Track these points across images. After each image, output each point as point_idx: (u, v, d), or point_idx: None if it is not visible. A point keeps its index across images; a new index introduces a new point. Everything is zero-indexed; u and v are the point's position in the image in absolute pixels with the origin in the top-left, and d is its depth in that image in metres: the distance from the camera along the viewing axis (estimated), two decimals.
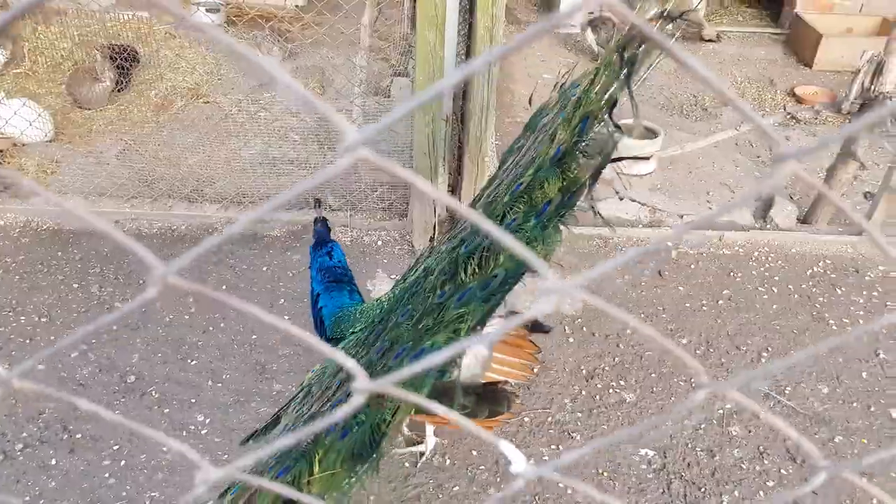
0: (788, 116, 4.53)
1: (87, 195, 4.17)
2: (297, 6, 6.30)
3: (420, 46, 3.47)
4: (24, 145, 4.55)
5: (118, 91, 5.10)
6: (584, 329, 3.72)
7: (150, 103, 5.06)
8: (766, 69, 6.16)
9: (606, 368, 3.52)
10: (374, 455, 1.74)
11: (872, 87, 3.77)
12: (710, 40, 6.34)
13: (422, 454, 2.98)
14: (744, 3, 7.18)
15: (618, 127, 1.82)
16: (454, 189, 4.07)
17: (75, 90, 5.00)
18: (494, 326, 2.47)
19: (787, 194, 4.71)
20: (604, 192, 4.52)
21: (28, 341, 3.40)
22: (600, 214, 1.86)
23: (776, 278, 4.10)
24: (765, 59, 6.33)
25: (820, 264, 4.22)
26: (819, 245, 4.32)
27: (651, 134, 4.66)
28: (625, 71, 1.71)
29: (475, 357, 2.31)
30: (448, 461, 3.00)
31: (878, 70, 3.73)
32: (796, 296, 4.00)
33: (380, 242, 4.16)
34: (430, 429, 2.98)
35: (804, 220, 4.50)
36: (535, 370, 3.17)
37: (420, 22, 3.42)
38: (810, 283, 4.08)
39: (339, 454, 1.74)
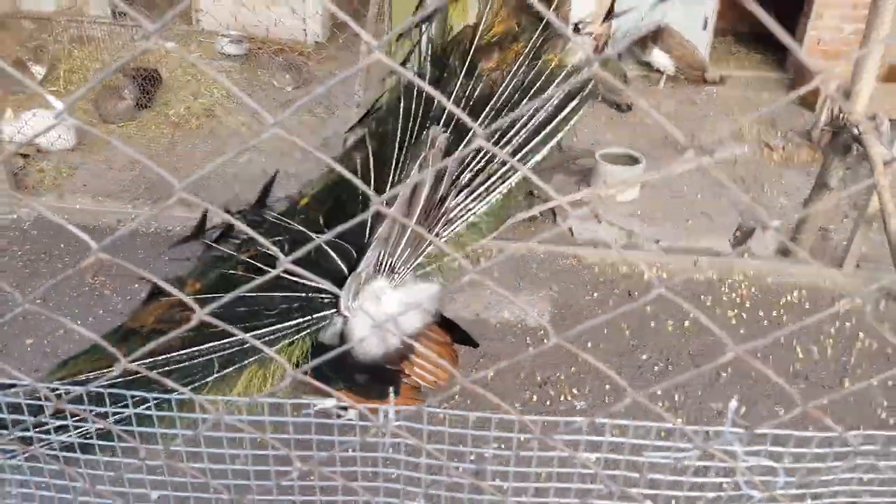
0: (764, 144, 4.61)
1: (95, 196, 4.52)
2: (316, 42, 6.71)
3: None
4: (47, 152, 4.95)
5: (140, 109, 5.49)
6: (545, 341, 3.80)
7: (168, 121, 5.44)
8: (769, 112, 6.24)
9: (562, 377, 3.59)
10: None
11: (841, 115, 3.84)
12: (713, 83, 6.47)
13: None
14: (751, 48, 7.31)
15: None
16: None
17: (101, 106, 5.41)
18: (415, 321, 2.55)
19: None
20: (582, 214, 4.65)
21: (22, 319, 3.67)
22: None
23: (747, 305, 4.12)
24: (768, 103, 6.41)
25: (794, 294, 4.23)
26: (796, 276, 4.33)
27: (633, 161, 4.79)
28: None
29: (378, 339, 2.39)
30: None
31: (846, 98, 3.81)
32: (766, 322, 4.02)
33: None
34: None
35: (784, 252, 4.53)
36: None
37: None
38: (782, 311, 4.09)
39: None
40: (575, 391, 3.51)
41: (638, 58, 6.40)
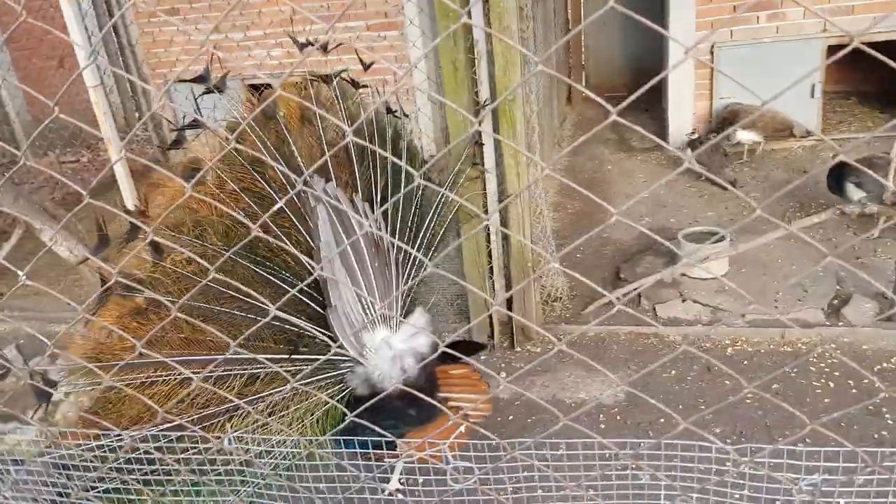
0: (838, 213, 4.52)
1: None
2: None
3: None
4: None
5: None
6: (619, 418, 4.01)
7: None
8: None
9: (631, 452, 3.77)
10: None
11: None
12: (802, 137, 6.41)
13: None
14: (875, 108, 7.06)
15: None
16: None
17: None
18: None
19: (871, 292, 4.60)
20: (666, 294, 4.81)
21: None
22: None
23: (836, 374, 4.04)
24: None
25: (893, 360, 4.08)
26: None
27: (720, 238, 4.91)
28: None
29: (400, 371, 2.55)
30: None
31: None
32: (854, 391, 3.92)
33: None
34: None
35: (889, 317, 4.36)
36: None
37: None
38: (874, 379, 3.95)
39: None
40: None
41: (732, 141, 6.48)
